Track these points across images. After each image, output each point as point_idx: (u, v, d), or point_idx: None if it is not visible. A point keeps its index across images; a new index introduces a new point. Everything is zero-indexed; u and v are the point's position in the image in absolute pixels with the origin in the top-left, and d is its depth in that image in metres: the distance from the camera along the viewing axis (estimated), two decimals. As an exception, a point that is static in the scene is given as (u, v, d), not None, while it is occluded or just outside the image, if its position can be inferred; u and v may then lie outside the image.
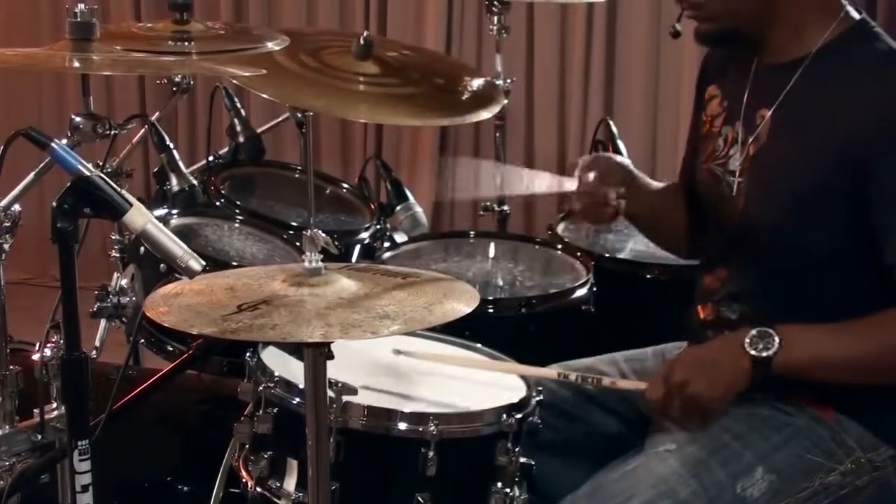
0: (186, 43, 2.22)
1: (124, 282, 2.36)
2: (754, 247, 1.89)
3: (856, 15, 1.86)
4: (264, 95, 2.23)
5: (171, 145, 2.47)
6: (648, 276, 2.58)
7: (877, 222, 1.76)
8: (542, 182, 2.11)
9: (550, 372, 1.93)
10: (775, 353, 1.74)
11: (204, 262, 1.48)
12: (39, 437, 1.96)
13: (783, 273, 1.86)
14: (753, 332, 1.76)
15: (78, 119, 2.01)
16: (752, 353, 1.75)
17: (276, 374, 1.79)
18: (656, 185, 2.12)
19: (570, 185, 2.02)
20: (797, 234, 1.82)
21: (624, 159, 2.09)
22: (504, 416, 1.75)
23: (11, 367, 1.98)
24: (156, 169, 2.55)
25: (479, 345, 2.03)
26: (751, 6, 1.84)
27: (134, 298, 2.34)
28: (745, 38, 1.89)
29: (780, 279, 1.87)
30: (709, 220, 2.01)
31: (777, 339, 1.74)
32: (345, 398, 1.68)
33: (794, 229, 1.82)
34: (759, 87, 1.91)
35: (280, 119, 3.07)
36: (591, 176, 1.97)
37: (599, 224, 2.65)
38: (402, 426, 1.72)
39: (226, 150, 2.96)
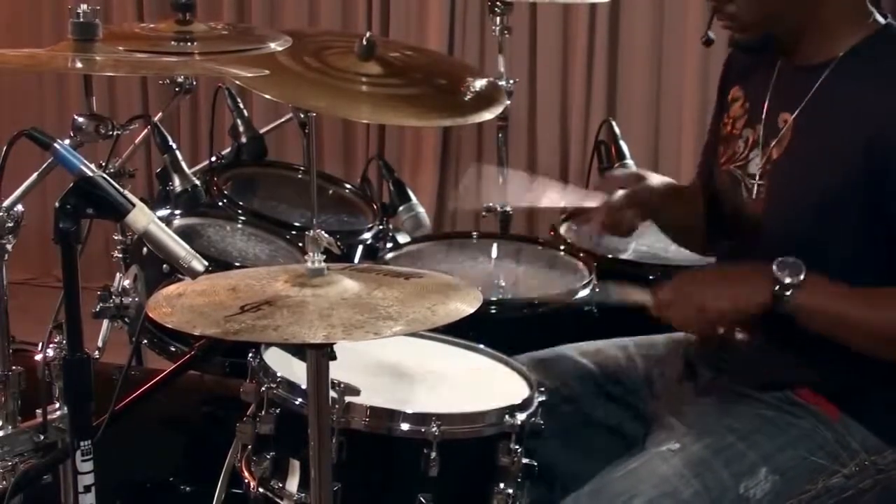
0: (189, 43, 2.22)
1: (127, 282, 2.36)
2: (774, 249, 1.88)
3: (881, 19, 1.86)
4: (267, 96, 2.23)
5: (174, 146, 2.47)
6: (651, 277, 2.57)
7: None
8: (549, 197, 2.10)
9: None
10: (798, 286, 1.73)
11: (206, 263, 1.48)
12: (42, 437, 1.95)
13: None
14: (789, 258, 1.75)
15: (80, 119, 2.01)
16: (777, 274, 1.74)
17: (279, 374, 1.79)
18: (668, 181, 2.10)
19: (579, 199, 2.01)
20: (818, 238, 1.82)
21: (643, 172, 2.08)
22: (506, 416, 1.75)
23: (14, 367, 1.97)
24: (158, 169, 2.54)
25: (481, 346, 2.03)
26: (784, 15, 1.84)
27: (136, 299, 2.34)
28: (779, 44, 1.88)
29: None
30: (727, 221, 2.00)
31: (804, 274, 1.73)
32: (347, 399, 1.68)
33: (815, 232, 1.82)
34: (781, 90, 1.91)
35: (283, 120, 3.07)
36: (618, 195, 1.97)
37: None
38: (405, 427, 1.71)
39: (228, 150, 2.96)
